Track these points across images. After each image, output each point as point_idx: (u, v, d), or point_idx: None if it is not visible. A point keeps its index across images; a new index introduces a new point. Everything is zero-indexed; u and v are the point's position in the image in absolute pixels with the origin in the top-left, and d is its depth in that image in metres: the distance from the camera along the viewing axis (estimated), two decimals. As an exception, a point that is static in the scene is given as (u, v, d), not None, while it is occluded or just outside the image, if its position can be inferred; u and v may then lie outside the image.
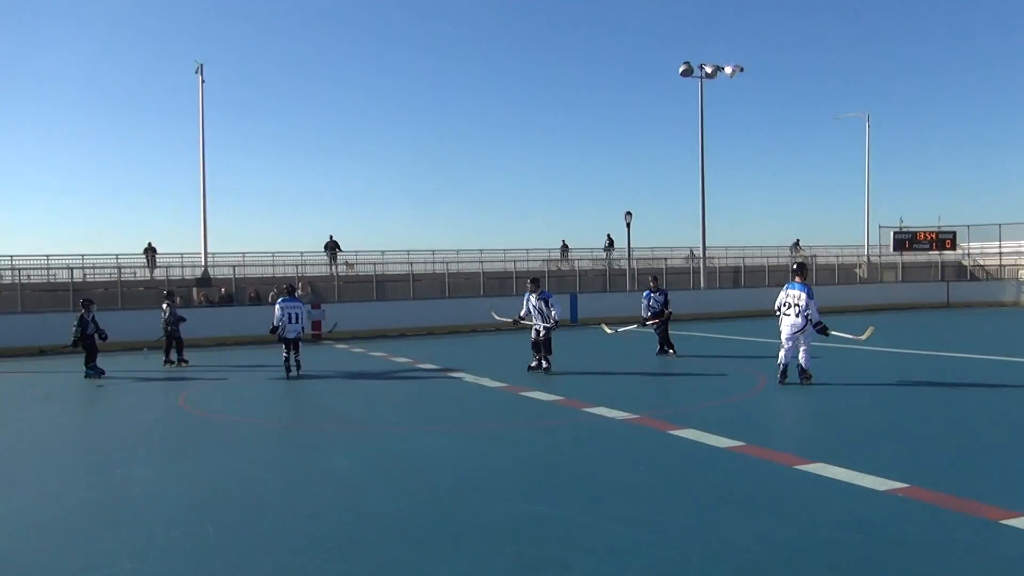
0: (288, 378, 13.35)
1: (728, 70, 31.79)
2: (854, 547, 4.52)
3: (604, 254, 35.95)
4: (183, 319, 16.48)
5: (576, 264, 33.82)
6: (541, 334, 12.97)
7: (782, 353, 11.25)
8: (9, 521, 5.52)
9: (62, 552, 4.83)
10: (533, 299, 13.21)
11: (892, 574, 4.11)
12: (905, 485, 5.73)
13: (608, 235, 36.22)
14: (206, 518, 5.41)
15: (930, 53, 79.27)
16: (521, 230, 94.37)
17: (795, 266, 12.01)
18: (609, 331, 15.89)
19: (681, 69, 31.55)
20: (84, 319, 14.78)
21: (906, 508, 5.26)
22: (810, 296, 11.13)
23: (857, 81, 78.17)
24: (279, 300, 14.47)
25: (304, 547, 4.77)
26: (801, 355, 11.15)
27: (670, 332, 15.78)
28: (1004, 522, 4.87)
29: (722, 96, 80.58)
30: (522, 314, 13.45)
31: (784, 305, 11.35)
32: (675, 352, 15.32)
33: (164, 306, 16.32)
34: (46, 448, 8.33)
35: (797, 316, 11.09)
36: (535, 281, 13.71)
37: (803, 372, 11.11)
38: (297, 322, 13.97)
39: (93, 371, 14.33)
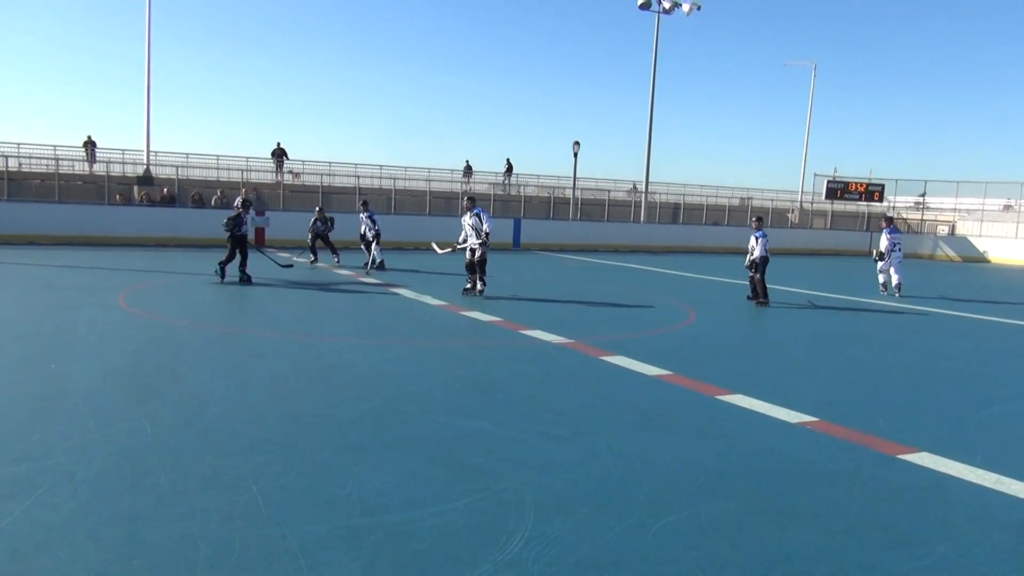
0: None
1: (685, 7, 31.63)
2: (764, 473, 4.87)
3: (503, 179, 35.93)
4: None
5: (523, 190, 33.78)
6: (477, 254, 13.02)
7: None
8: (-61, 409, 5.48)
9: (-4, 442, 4.84)
10: (468, 217, 13.21)
11: (799, 501, 4.45)
12: (815, 419, 6.14)
13: (507, 160, 36.25)
14: (144, 416, 5.47)
15: (879, 6, 79.78)
16: (469, 152, 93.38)
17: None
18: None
19: (640, 1, 31.18)
20: (241, 218, 13.73)
21: (814, 440, 5.65)
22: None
23: (808, 29, 78.65)
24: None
25: (241, 448, 4.89)
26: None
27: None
28: (900, 456, 5.29)
29: (677, 33, 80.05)
30: (460, 239, 13.37)
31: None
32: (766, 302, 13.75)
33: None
34: (-26, 339, 8.17)
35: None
36: (471, 199, 13.65)
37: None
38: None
39: (242, 275, 13.56)
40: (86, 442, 4.89)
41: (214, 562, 3.38)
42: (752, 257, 13.72)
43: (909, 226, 39.55)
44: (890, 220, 17.83)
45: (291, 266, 15.45)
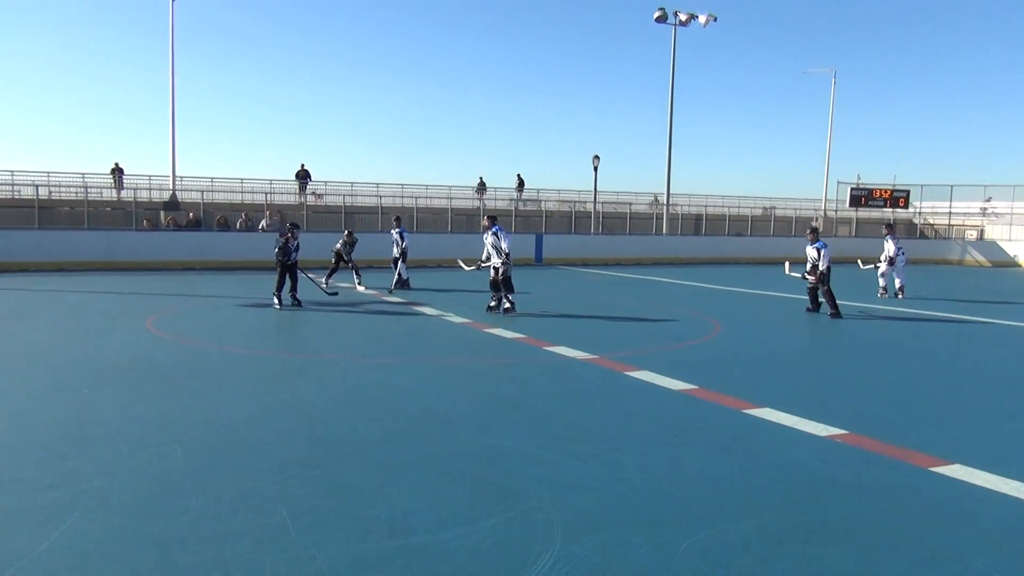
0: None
1: (702, 19, 31.64)
2: (793, 488, 4.82)
3: (515, 194, 35.81)
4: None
5: (543, 205, 33.82)
6: (500, 272, 13.02)
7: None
8: (-24, 436, 5.58)
9: (31, 469, 4.92)
10: (488, 236, 13.22)
11: (829, 515, 4.40)
12: (845, 432, 6.07)
13: (518, 175, 36.19)
14: (174, 440, 5.54)
15: (898, 13, 79.37)
16: (487, 168, 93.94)
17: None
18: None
19: (656, 15, 31.29)
20: (289, 245, 13.55)
21: (844, 453, 5.59)
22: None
23: (826, 37, 78.43)
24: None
25: (270, 471, 4.93)
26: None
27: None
28: (933, 469, 5.22)
29: (694, 45, 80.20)
30: (483, 257, 13.36)
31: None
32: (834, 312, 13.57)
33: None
34: (12, 366, 8.32)
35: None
36: (491, 218, 13.60)
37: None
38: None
39: (292, 300, 13.46)
40: (118, 467, 4.96)
41: (246, 586, 3.40)
42: (820, 269, 13.58)
43: (937, 231, 39.12)
44: (891, 227, 19.14)
45: (336, 294, 15.29)
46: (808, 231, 14.46)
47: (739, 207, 38.60)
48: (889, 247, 17.57)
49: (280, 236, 13.67)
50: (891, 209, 38.28)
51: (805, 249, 14.16)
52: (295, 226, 14.13)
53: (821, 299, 13.84)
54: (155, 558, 3.66)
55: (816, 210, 40.06)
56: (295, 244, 13.65)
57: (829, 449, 5.69)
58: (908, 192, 38.29)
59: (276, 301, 13.39)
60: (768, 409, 6.73)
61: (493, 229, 13.14)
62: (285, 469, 4.97)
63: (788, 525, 4.21)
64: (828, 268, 13.60)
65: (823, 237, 14.41)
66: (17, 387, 7.28)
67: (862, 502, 4.61)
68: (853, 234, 37.24)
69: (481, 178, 35.25)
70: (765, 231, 35.90)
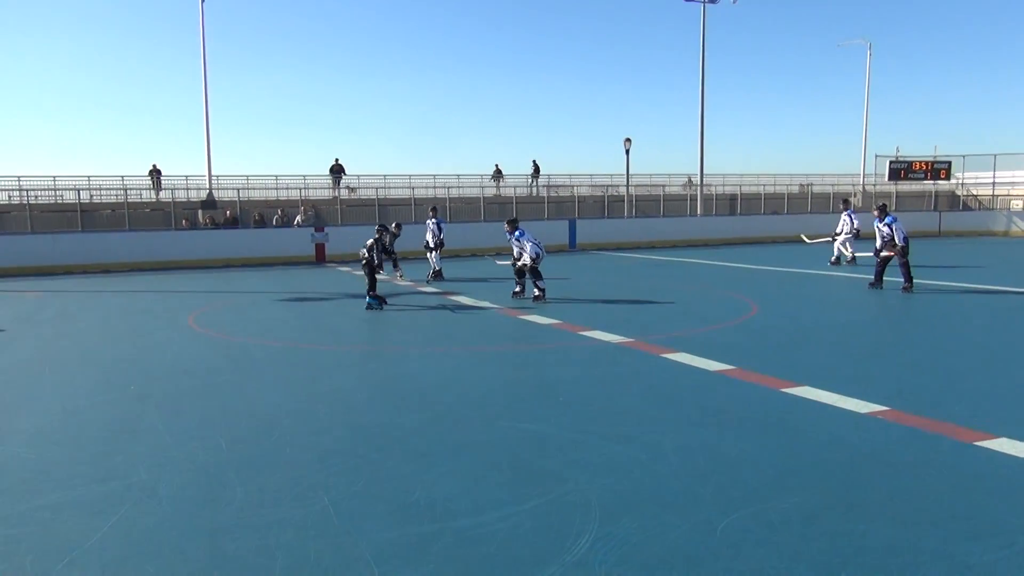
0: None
1: (732, -7, 31.12)
2: (835, 466, 4.78)
3: (530, 180, 35.40)
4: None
5: (575, 190, 33.67)
6: (528, 265, 13.00)
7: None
8: (32, 435, 5.77)
9: (83, 463, 5.08)
10: (512, 240, 13.23)
11: (870, 492, 4.36)
12: (886, 408, 5.99)
13: (534, 161, 35.77)
14: (218, 433, 5.67)
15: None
16: (519, 156, 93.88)
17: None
18: (808, 242, 16.22)
19: (685, -8, 30.86)
20: (384, 244, 13.32)
21: (886, 430, 5.52)
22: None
23: (858, 9, 76.58)
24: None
25: (312, 460, 5.03)
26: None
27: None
28: (978, 443, 5.13)
29: (724, 22, 78.97)
30: (516, 255, 13.31)
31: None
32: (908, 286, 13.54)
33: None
34: (63, 365, 8.57)
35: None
36: (511, 221, 13.58)
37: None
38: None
39: (375, 301, 12.60)
40: (166, 459, 5.10)
41: (292, 572, 3.49)
42: (899, 243, 13.53)
43: (980, 203, 38.14)
44: (847, 202, 20.50)
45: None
46: (875, 208, 14.53)
47: (775, 185, 38.01)
48: (849, 222, 19.09)
49: (382, 235, 13.06)
50: (932, 181, 37.42)
51: (875, 226, 14.09)
52: (383, 227, 13.91)
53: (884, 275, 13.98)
54: (203, 547, 3.77)
55: (854, 185, 39.32)
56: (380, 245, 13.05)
57: (870, 425, 5.62)
58: (949, 163, 37.34)
59: (379, 303, 12.65)
60: (807, 387, 6.67)
61: (516, 234, 13.09)
62: (326, 458, 5.07)
63: (828, 502, 4.19)
64: (906, 240, 13.61)
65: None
66: (67, 385, 7.50)
67: (904, 477, 4.56)
68: (894, 208, 36.45)
69: (497, 165, 34.99)
70: (802, 208, 35.33)
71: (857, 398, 6.27)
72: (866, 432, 5.47)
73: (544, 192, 33.10)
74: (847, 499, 4.23)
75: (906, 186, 37.80)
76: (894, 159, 37.26)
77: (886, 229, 13.80)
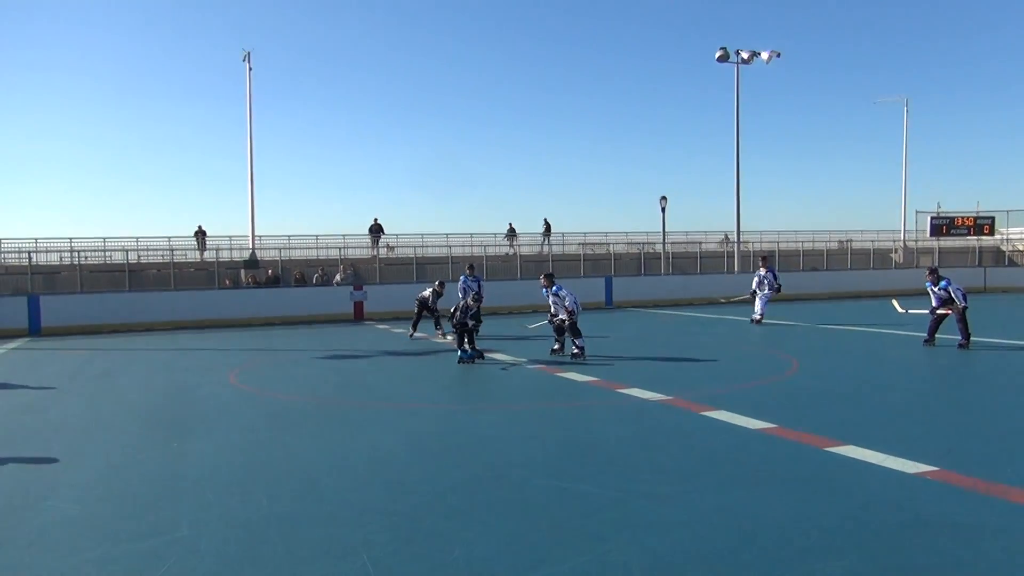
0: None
1: (764, 56, 31.44)
2: (882, 528, 4.65)
3: (542, 239, 35.42)
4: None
5: (611, 248, 33.77)
6: (566, 321, 13.02)
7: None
8: (79, 490, 5.88)
9: (127, 519, 5.15)
10: (549, 296, 13.26)
11: (920, 555, 4.24)
12: (935, 468, 5.83)
13: (545, 220, 35.89)
14: (259, 489, 5.72)
15: (967, 37, 77.56)
16: (559, 217, 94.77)
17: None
18: (900, 310, 15.88)
19: (717, 55, 31.27)
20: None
21: (935, 491, 5.37)
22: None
23: (894, 66, 77.09)
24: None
25: (350, 518, 5.04)
26: None
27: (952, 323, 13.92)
28: (1033, 506, 4.96)
29: (758, 82, 79.79)
30: (553, 312, 13.36)
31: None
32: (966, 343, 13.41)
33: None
34: (109, 422, 8.74)
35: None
36: (548, 276, 13.66)
37: None
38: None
39: (471, 353, 12.81)
40: (207, 516, 5.15)
41: (330, 630, 3.48)
42: (961, 304, 13.47)
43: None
44: (766, 259, 20.60)
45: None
46: (927, 272, 14.47)
47: (813, 241, 37.78)
48: (763, 277, 19.20)
49: (473, 302, 13.06)
50: (976, 237, 36.88)
51: (929, 289, 14.07)
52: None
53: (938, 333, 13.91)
54: (244, 603, 3.77)
55: (895, 241, 38.90)
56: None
57: (918, 486, 5.47)
58: (993, 219, 36.87)
59: (479, 354, 12.89)
60: (851, 446, 6.53)
61: (554, 290, 13.14)
62: (365, 516, 5.07)
63: (875, 566, 4.07)
64: (965, 298, 13.60)
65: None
66: (112, 441, 7.63)
67: (955, 541, 4.42)
68: (936, 264, 35.92)
69: (511, 224, 35.23)
70: (842, 265, 34.96)
71: (905, 457, 6.11)
72: (915, 493, 5.33)
73: (596, 251, 33.24)
74: (895, 563, 4.11)
75: (948, 242, 37.32)
76: (935, 215, 36.90)
77: (943, 293, 13.79)
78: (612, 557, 4.24)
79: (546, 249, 34.17)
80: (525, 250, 33.60)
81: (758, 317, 18.98)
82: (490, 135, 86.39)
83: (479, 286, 17.15)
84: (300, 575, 4.11)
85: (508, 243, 34.50)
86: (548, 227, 35.72)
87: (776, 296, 19.67)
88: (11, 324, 20.53)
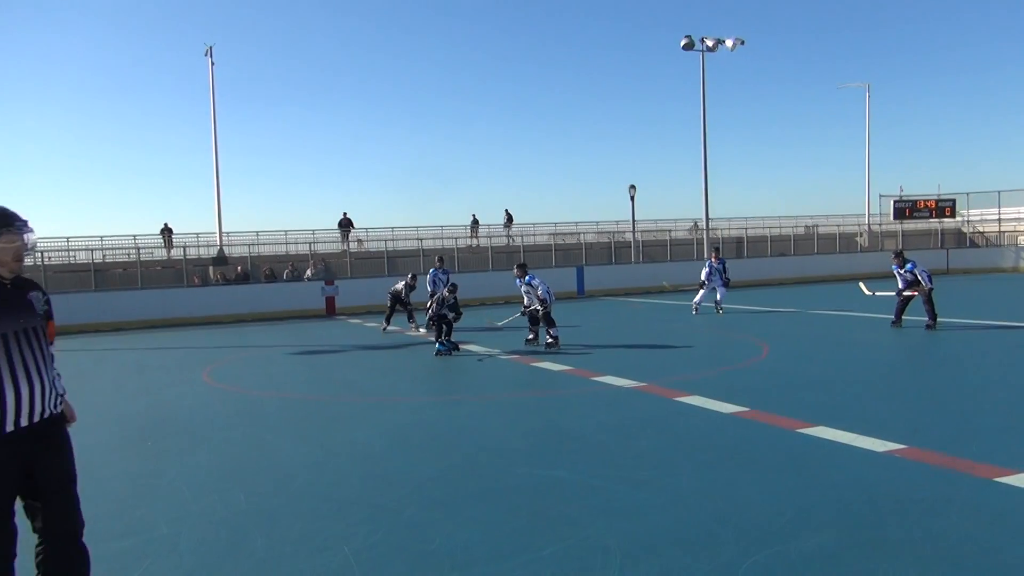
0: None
1: (729, 43, 31.62)
2: (855, 506, 4.76)
3: (504, 230, 35.58)
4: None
5: (582, 237, 33.91)
6: (540, 311, 13.09)
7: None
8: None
9: (104, 519, 5.10)
10: (522, 286, 13.33)
11: (891, 531, 4.34)
12: (904, 446, 5.97)
13: (506, 211, 36.06)
14: (237, 486, 5.69)
15: (929, 22, 78.79)
16: (528, 206, 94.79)
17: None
18: (868, 292, 15.98)
19: (682, 43, 31.40)
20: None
21: (905, 468, 5.50)
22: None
23: (857, 53, 78.07)
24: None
25: (330, 512, 5.04)
26: None
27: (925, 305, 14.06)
28: (999, 479, 5.11)
29: (723, 69, 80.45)
30: (525, 303, 13.41)
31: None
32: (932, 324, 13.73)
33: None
34: (80, 422, 8.56)
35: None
36: (520, 267, 13.67)
37: None
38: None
39: (447, 346, 12.79)
40: (185, 513, 5.12)
41: (314, 622, 3.49)
42: (927, 285, 13.83)
43: (987, 239, 38.19)
44: (718, 250, 19.84)
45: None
46: (893, 256, 14.84)
47: (780, 227, 38.23)
48: (714, 268, 18.61)
49: (448, 293, 13.01)
50: (937, 219, 37.60)
51: (896, 272, 14.42)
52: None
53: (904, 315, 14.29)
54: (226, 599, 3.77)
55: (860, 225, 39.50)
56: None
57: (888, 464, 5.61)
58: (954, 201, 37.59)
59: (454, 346, 12.93)
60: (823, 427, 6.66)
61: (526, 279, 13.19)
62: (345, 509, 5.08)
63: (849, 542, 4.17)
64: (931, 279, 14.00)
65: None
66: (85, 442, 7.49)
67: (925, 516, 4.54)
68: (900, 247, 36.59)
69: (474, 215, 35.23)
70: (808, 250, 35.45)
71: (874, 437, 6.25)
72: (884, 471, 5.46)
73: (566, 241, 33.33)
74: (868, 538, 4.21)
75: (911, 225, 38.04)
76: (898, 198, 37.55)
77: (909, 275, 14.11)
78: (592, 542, 4.30)
79: (511, 240, 34.23)
80: (496, 241, 33.59)
81: (695, 309, 18.40)
82: (458, 127, 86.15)
83: (448, 278, 17.14)
84: (281, 570, 4.11)
85: (471, 235, 34.45)
86: (510, 218, 35.75)
87: (733, 285, 19.65)
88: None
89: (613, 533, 4.42)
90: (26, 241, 3.18)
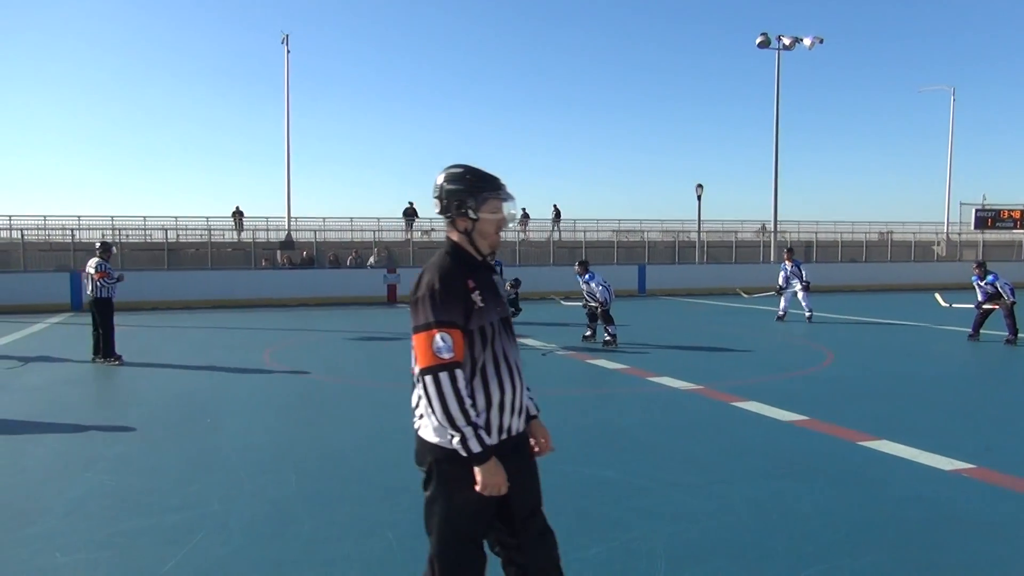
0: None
1: (807, 41, 30.81)
2: (914, 524, 4.57)
3: (552, 225, 34.90)
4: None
5: (646, 235, 33.53)
6: (598, 308, 12.99)
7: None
8: (115, 463, 6.01)
9: (160, 492, 5.26)
10: (582, 283, 13.23)
11: (952, 555, 4.15)
12: (972, 465, 5.71)
13: (555, 206, 35.26)
14: (289, 467, 5.80)
15: (1016, 26, 75.14)
16: (593, 201, 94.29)
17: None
18: (944, 304, 15.43)
19: (758, 40, 30.74)
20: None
21: (972, 489, 5.25)
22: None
23: (940, 55, 75.10)
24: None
25: (378, 497, 5.09)
26: None
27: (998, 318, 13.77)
28: (1072, 506, 4.84)
29: (800, 70, 78.45)
30: (587, 298, 13.32)
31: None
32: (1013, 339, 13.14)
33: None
34: (145, 398, 8.92)
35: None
36: (582, 264, 13.52)
37: None
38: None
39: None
40: (238, 492, 5.23)
41: (354, 607, 3.51)
42: (1009, 299, 13.30)
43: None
44: (791, 251, 18.57)
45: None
46: (975, 266, 14.19)
47: (852, 232, 37.16)
48: (796, 273, 17.62)
49: (510, 288, 13.04)
50: (1022, 230, 35.94)
51: (976, 283, 13.84)
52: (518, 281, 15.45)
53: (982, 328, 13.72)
54: (271, 578, 3.83)
55: (938, 234, 38.07)
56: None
57: (954, 483, 5.36)
58: (1040, 211, 35.88)
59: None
60: (886, 441, 6.42)
61: (586, 277, 13.09)
62: (392, 495, 5.11)
63: (906, 562, 4.00)
64: (1013, 293, 13.44)
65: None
66: (148, 417, 7.78)
67: (991, 541, 4.32)
68: (980, 257, 35.11)
69: (524, 209, 34.54)
70: (881, 257, 34.32)
71: (941, 454, 5.99)
72: (950, 490, 5.22)
73: (629, 238, 33.00)
74: (927, 560, 4.03)
75: (993, 235, 36.45)
76: (980, 207, 36.01)
77: (990, 287, 13.55)
78: (637, 545, 4.22)
79: (561, 235, 33.91)
80: (566, 236, 33.44)
81: (782, 314, 17.52)
82: (526, 123, 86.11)
83: (501, 270, 17.00)
84: (326, 552, 4.16)
85: (520, 228, 34.24)
86: (558, 213, 35.41)
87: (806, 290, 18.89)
88: (54, 299, 21.05)
89: (660, 537, 4.34)
90: (507, 214, 2.73)
